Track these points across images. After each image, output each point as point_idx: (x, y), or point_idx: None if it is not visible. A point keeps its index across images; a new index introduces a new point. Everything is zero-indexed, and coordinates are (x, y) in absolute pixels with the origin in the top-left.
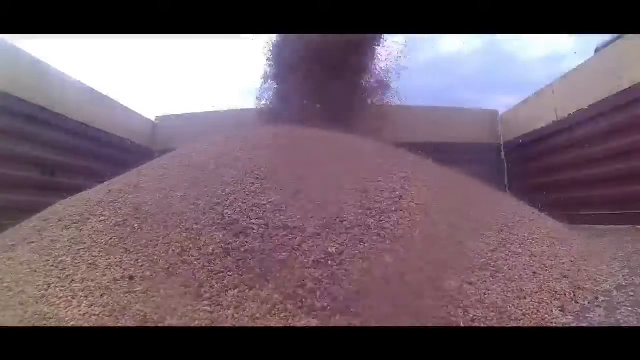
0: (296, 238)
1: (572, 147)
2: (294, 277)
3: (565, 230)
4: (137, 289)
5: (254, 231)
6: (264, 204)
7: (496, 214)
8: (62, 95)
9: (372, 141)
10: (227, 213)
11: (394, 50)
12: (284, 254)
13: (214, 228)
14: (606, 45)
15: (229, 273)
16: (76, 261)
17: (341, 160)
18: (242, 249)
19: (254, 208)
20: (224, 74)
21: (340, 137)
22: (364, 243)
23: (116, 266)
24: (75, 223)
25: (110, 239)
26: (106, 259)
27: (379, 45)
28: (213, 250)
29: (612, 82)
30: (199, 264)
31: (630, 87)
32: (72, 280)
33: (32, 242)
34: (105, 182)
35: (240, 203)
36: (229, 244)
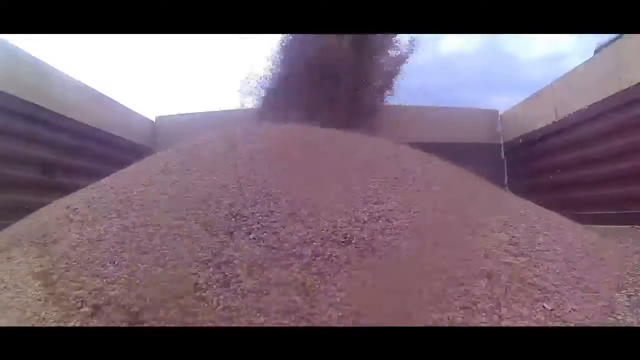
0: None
1: (572, 147)
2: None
3: (581, 228)
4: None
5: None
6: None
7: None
8: (62, 95)
9: (383, 140)
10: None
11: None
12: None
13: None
14: (606, 45)
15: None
16: (72, 262)
17: (347, 157)
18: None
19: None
20: (224, 73)
21: (346, 135)
22: (375, 243)
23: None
24: (53, 234)
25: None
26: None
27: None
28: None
29: (612, 82)
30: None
31: (629, 87)
32: (69, 281)
33: (23, 246)
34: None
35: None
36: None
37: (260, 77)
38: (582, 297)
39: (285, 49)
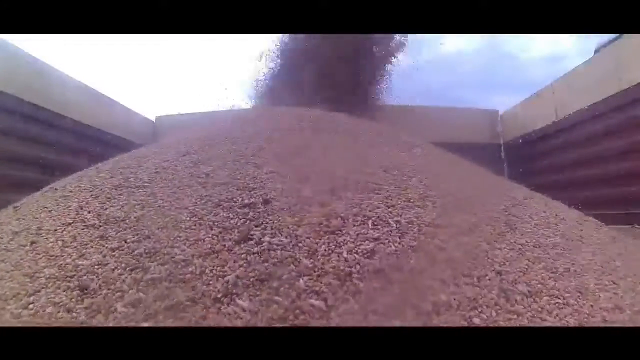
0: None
1: (572, 147)
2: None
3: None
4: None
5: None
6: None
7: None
8: (62, 95)
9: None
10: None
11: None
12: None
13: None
14: (606, 45)
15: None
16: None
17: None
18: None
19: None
20: (224, 73)
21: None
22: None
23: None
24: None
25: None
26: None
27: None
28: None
29: (612, 82)
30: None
31: (629, 87)
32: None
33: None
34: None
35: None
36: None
37: (261, 75)
38: None
39: (284, 45)
